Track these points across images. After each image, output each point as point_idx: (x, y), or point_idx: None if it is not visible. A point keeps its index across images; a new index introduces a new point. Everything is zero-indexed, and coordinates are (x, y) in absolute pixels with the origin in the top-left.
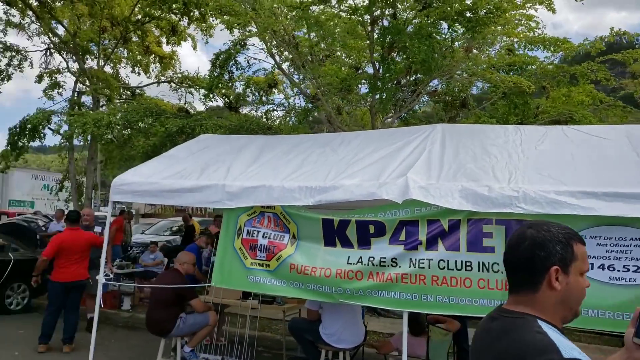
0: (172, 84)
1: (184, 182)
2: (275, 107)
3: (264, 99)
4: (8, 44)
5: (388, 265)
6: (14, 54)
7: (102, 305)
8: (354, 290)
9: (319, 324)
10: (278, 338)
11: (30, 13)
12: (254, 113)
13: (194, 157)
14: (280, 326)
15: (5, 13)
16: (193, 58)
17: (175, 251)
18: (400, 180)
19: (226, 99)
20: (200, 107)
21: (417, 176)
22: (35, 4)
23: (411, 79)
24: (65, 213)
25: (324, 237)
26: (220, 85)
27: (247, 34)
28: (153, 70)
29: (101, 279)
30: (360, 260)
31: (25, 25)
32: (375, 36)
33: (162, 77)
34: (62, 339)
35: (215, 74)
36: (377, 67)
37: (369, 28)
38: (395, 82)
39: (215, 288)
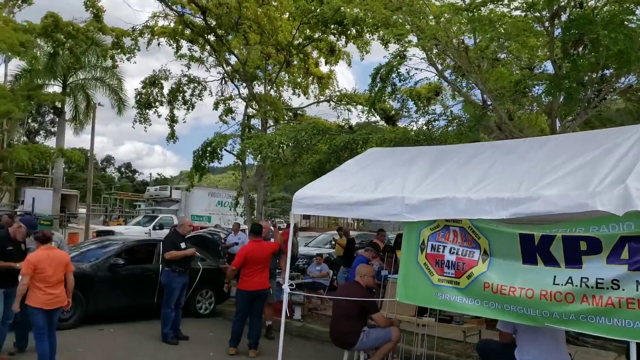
0: (332, 102)
1: (361, 195)
2: (436, 117)
3: (424, 109)
4: (192, 77)
5: (607, 288)
6: (196, 85)
7: (288, 315)
8: (564, 314)
9: (514, 347)
10: (453, 359)
11: (208, 47)
12: (414, 125)
13: (365, 171)
14: (454, 346)
15: (189, 49)
16: (339, 75)
17: (336, 264)
18: (618, 189)
19: (383, 112)
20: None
21: None
22: (212, 39)
23: (597, 75)
24: (241, 226)
25: (523, 254)
26: (382, 98)
27: (407, 44)
28: (312, 91)
29: (286, 288)
30: (569, 281)
31: (204, 58)
32: (557, 31)
33: (321, 97)
34: (248, 344)
35: (376, 88)
36: (558, 65)
37: (547, 23)
38: (578, 80)
39: (389, 302)
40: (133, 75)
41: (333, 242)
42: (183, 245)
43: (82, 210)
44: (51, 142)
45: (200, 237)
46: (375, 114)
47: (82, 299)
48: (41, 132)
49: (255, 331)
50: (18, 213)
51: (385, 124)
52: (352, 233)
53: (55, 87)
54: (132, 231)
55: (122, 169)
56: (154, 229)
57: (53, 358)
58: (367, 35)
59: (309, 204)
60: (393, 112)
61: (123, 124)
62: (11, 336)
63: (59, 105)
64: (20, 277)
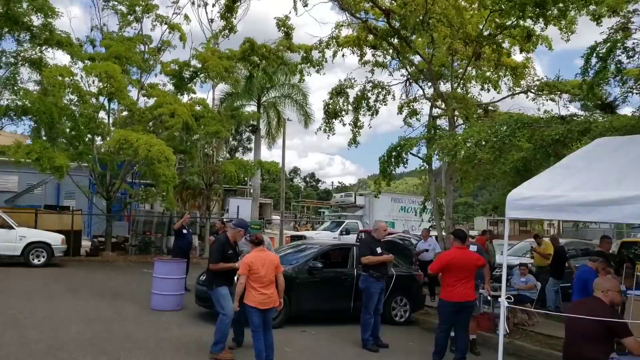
0: (530, 93)
1: (601, 194)
2: None
3: None
4: (376, 82)
5: None
6: (380, 90)
7: (507, 331)
8: None
9: None
10: None
11: (391, 51)
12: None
13: (597, 165)
14: None
15: (372, 55)
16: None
17: (537, 275)
18: None
19: (596, 99)
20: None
21: None
22: (395, 41)
23: None
24: (425, 231)
25: None
26: (604, 80)
27: (631, 14)
28: (506, 83)
29: (503, 301)
30: None
31: (387, 62)
32: None
33: (516, 89)
34: (454, 358)
35: (591, 71)
36: None
37: None
38: None
39: (633, 325)
40: (313, 90)
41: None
42: (379, 250)
43: (275, 217)
44: (248, 157)
45: (391, 243)
46: (588, 101)
47: (285, 300)
48: (239, 149)
49: (461, 345)
50: (224, 220)
51: (600, 113)
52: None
53: (251, 107)
54: (321, 236)
55: (307, 179)
56: (341, 233)
57: (270, 355)
58: (572, 12)
59: (527, 206)
60: (614, 96)
61: (306, 137)
62: (230, 332)
63: (255, 123)
64: (236, 278)
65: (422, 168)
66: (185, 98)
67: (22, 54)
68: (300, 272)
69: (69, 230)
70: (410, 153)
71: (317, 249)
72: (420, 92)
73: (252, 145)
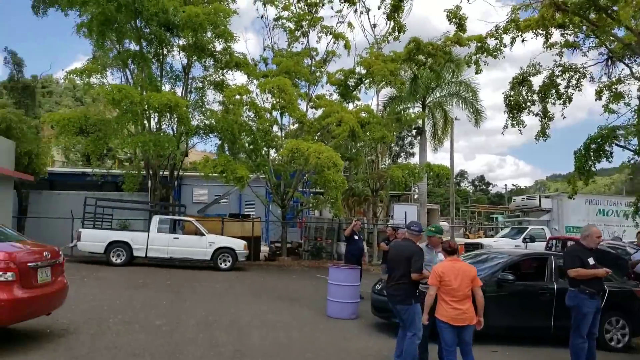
0: None
1: None
2: None
3: None
4: (566, 65)
5: None
6: (572, 74)
7: None
8: None
9: None
10: None
11: (585, 28)
12: None
13: None
14: None
15: (561, 35)
16: None
17: None
18: None
19: None
20: None
21: None
22: (592, 15)
23: None
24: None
25: None
26: None
27: None
28: None
29: None
30: None
31: (579, 42)
32: None
33: None
34: None
35: None
36: None
37: None
38: None
39: None
40: (481, 87)
41: None
42: (591, 261)
43: (443, 223)
44: (411, 162)
45: (599, 252)
46: None
47: None
48: (402, 155)
49: None
50: (394, 226)
51: None
52: None
53: (415, 109)
54: (501, 244)
55: (475, 182)
56: (524, 241)
57: None
58: None
59: None
60: None
61: (473, 138)
62: None
63: (420, 125)
64: (419, 288)
65: (633, 162)
66: (350, 106)
67: (207, 78)
68: (488, 284)
69: (249, 237)
70: (616, 144)
71: (505, 258)
72: (627, 71)
73: (415, 149)
